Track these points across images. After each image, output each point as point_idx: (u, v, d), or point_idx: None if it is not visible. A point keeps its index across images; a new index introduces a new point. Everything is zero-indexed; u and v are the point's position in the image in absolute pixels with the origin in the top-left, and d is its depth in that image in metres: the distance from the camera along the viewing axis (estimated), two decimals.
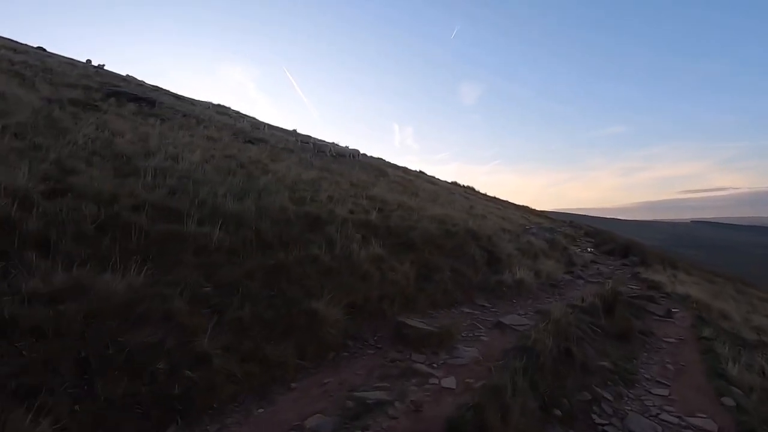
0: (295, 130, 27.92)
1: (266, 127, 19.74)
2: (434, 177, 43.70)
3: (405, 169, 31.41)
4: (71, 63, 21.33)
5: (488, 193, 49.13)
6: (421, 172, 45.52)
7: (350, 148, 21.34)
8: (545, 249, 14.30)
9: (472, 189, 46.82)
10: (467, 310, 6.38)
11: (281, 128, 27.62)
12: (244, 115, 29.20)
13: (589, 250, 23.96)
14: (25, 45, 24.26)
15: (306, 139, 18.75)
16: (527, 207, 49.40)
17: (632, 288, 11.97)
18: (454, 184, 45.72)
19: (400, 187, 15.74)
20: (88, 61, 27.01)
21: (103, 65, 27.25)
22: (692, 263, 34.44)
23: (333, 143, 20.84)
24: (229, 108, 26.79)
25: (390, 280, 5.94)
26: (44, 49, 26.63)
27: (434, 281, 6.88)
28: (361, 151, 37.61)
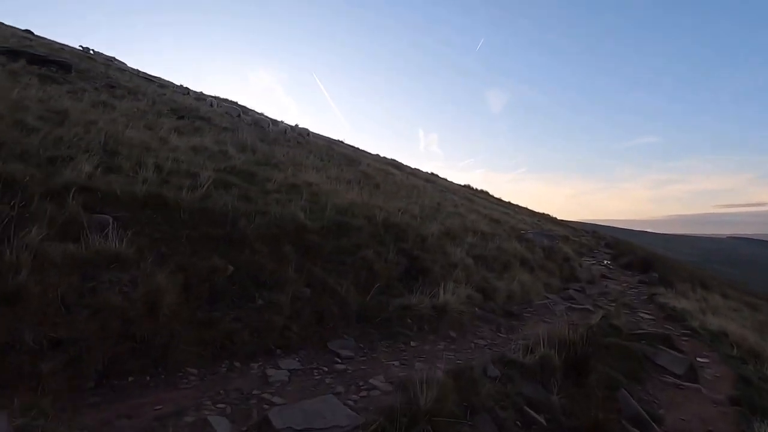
0: (283, 122, 25.01)
1: (240, 113, 16.94)
2: (446, 179, 40.41)
3: (400, 165, 28.26)
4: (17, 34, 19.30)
5: (505, 199, 45.43)
6: (433, 174, 42.38)
7: (321, 135, 18.35)
8: (533, 258, 10.86)
9: (486, 193, 43.24)
10: (272, 371, 3.19)
11: (259, 114, 24.86)
12: (234, 104, 26.78)
13: (604, 262, 20.12)
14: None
15: (263, 122, 15.83)
16: (547, 215, 45.28)
17: (643, 317, 8.41)
18: (467, 187, 42.27)
19: (359, 176, 12.63)
20: (82, 46, 25.25)
21: (89, 48, 25.44)
22: (728, 283, 29.53)
23: (298, 126, 17.88)
24: (205, 94, 24.35)
25: (94, 306, 2.86)
26: (31, 32, 24.97)
27: (253, 306, 3.76)
28: (377, 152, 34.49)
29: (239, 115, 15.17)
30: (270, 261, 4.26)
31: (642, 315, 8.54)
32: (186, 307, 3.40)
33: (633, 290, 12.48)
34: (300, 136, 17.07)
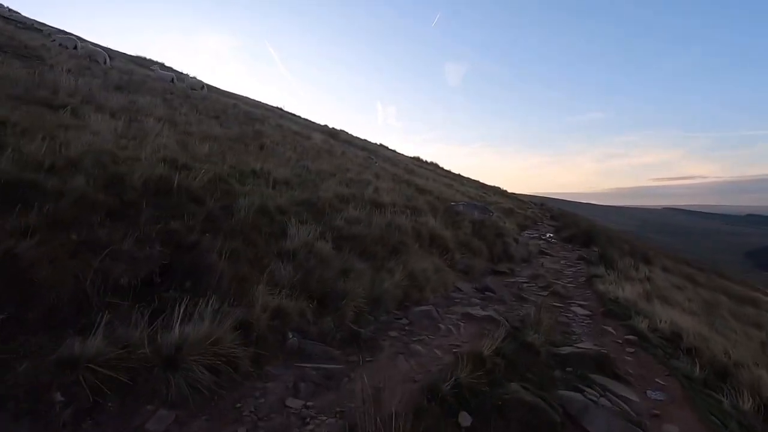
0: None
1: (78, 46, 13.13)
2: (394, 151, 37.96)
3: (336, 134, 25.24)
4: None
5: (456, 172, 43.59)
6: (381, 145, 39.72)
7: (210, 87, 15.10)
8: (451, 236, 8.47)
9: (435, 165, 41.31)
10: None
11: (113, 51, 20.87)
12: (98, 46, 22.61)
13: (547, 235, 18.38)
14: None
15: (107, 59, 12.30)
16: (497, 187, 43.86)
17: (576, 313, 6.22)
18: (416, 159, 39.96)
19: (245, 134, 9.68)
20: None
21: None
22: (666, 253, 29.11)
23: (196, 79, 14.42)
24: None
25: None
26: None
27: None
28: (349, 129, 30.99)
29: (105, 61, 11.58)
30: None
31: (576, 310, 6.36)
32: None
33: (571, 269, 10.49)
34: (192, 90, 13.71)
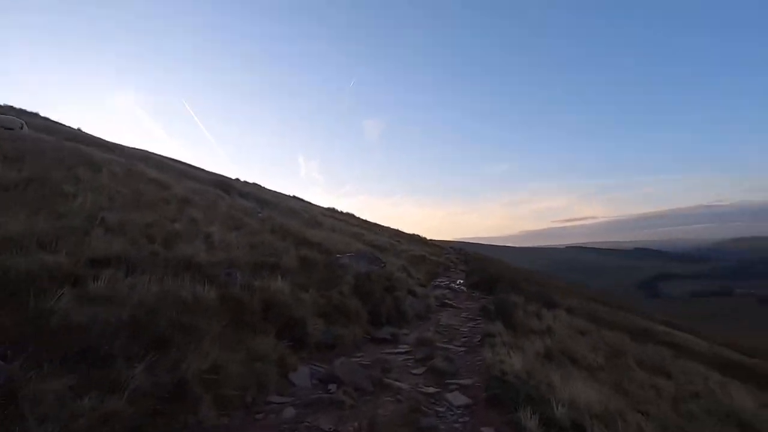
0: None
1: None
2: (309, 203, 36.28)
3: (230, 186, 22.72)
4: None
5: (373, 221, 42.56)
6: (294, 197, 37.89)
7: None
8: (320, 298, 6.40)
9: (350, 215, 40.11)
10: None
11: None
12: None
13: (458, 282, 17.05)
14: None
15: None
16: (416, 235, 43.22)
17: (450, 405, 4.40)
18: (331, 209, 38.31)
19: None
20: None
21: None
22: (578, 289, 29.74)
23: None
24: None
25: None
26: None
27: None
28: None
29: None
30: None
31: (451, 398, 4.49)
32: None
33: (469, 325, 8.91)
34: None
